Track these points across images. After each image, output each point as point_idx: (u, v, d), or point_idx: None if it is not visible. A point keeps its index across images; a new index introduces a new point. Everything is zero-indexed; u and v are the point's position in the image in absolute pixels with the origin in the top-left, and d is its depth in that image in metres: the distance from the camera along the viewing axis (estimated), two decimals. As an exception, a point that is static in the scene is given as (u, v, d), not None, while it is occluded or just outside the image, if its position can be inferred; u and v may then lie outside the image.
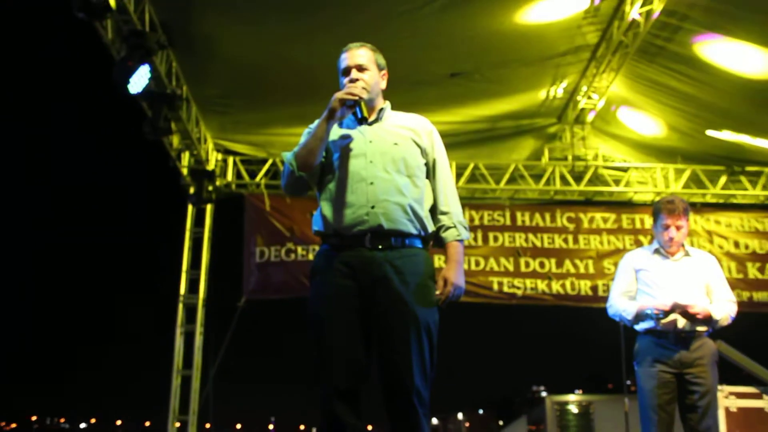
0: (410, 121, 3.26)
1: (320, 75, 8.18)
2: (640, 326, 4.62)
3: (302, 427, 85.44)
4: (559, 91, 9.60)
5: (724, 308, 4.54)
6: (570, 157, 10.31)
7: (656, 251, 4.70)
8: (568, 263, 10.26)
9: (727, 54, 8.01)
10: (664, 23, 7.85)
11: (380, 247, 2.98)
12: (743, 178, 10.49)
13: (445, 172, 3.27)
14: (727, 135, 9.77)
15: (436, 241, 3.21)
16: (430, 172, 3.23)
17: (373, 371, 2.98)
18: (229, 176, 10.15)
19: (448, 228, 3.18)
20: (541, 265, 10.22)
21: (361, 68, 3.19)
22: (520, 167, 10.42)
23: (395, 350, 2.89)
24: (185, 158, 9.58)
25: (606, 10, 7.98)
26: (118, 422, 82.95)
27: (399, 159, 3.10)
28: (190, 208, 9.87)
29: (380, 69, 3.28)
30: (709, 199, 10.55)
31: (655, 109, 9.58)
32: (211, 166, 9.64)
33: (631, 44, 8.21)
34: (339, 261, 2.99)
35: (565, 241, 10.37)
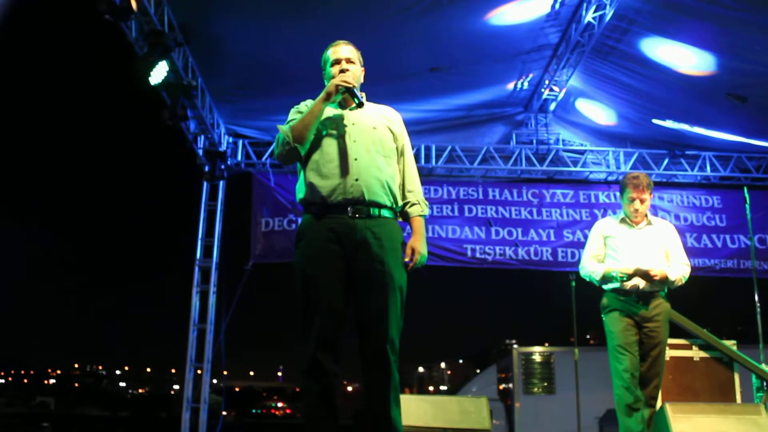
0: (384, 111, 3.35)
1: (312, 69, 8.25)
2: (607, 286, 4.69)
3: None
4: (525, 84, 9.61)
5: (679, 270, 4.65)
6: (534, 141, 10.31)
7: (623, 220, 4.76)
8: (532, 232, 10.29)
9: (669, 53, 8.06)
10: (616, 26, 7.87)
11: (361, 215, 3.04)
12: (683, 161, 10.50)
13: (411, 156, 3.37)
14: (669, 123, 9.79)
15: (401, 214, 3.28)
16: (399, 156, 3.30)
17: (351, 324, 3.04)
18: (239, 156, 10.16)
19: (413, 204, 3.27)
20: (509, 233, 10.26)
21: (349, 60, 3.29)
22: (492, 149, 10.42)
23: (374, 304, 2.96)
24: (200, 141, 9.61)
25: (565, 14, 7.99)
26: (148, 369, 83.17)
27: (377, 140, 3.19)
28: (204, 184, 9.89)
29: (361, 65, 3.37)
30: (654, 179, 10.49)
31: (608, 100, 9.60)
32: (223, 148, 9.67)
33: (587, 44, 8.21)
34: (324, 227, 3.05)
35: (530, 213, 10.40)
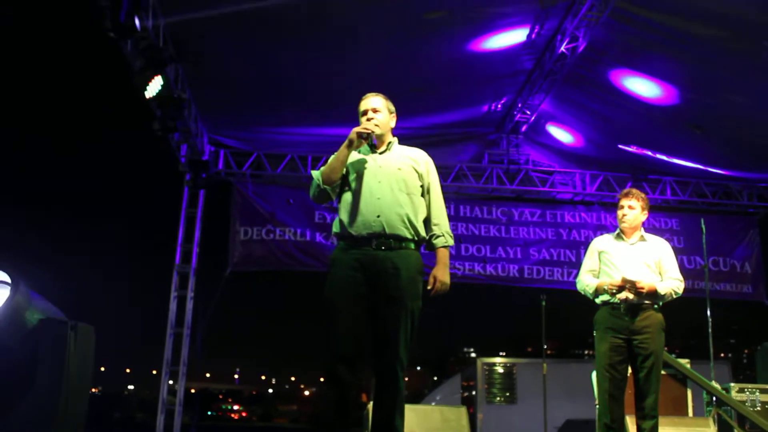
0: (412, 153, 3.71)
1: (300, 86, 8.62)
2: (600, 299, 4.82)
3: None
4: (499, 106, 9.96)
5: (669, 285, 4.70)
6: (506, 161, 10.59)
7: (617, 236, 4.91)
8: (500, 249, 10.59)
9: (635, 84, 8.54)
10: (587, 57, 8.31)
11: (383, 248, 3.43)
12: (645, 185, 10.75)
13: (437, 192, 3.70)
14: (633, 149, 10.28)
15: (427, 245, 3.64)
16: (425, 193, 3.65)
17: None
18: (220, 165, 10.30)
19: (438, 236, 3.63)
20: (478, 250, 10.55)
21: (375, 110, 3.65)
22: (465, 167, 10.69)
23: (387, 328, 3.35)
24: (183, 149, 9.73)
25: (540, 43, 8.39)
26: (127, 370, 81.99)
27: (401, 180, 3.55)
28: (185, 190, 10.03)
29: (390, 112, 3.72)
30: (616, 200, 10.96)
31: (576, 125, 10.06)
32: (205, 157, 9.83)
33: (560, 72, 8.62)
34: (351, 257, 3.45)
35: (499, 230, 10.69)
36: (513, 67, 8.94)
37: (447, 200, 11.18)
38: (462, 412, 5.77)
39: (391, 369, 3.33)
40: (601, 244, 4.98)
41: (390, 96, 3.83)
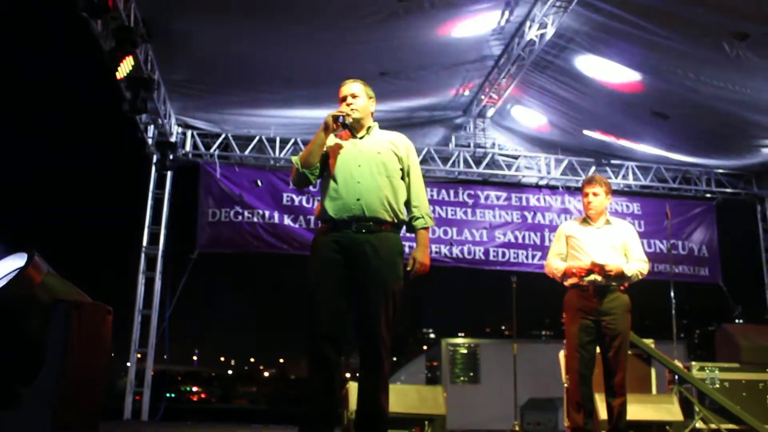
0: (392, 137, 3.78)
1: (267, 68, 8.61)
2: (568, 282, 4.95)
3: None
4: (466, 90, 10.04)
5: (635, 266, 4.84)
6: (472, 145, 10.71)
7: (584, 221, 5.05)
8: (466, 232, 10.74)
9: (601, 70, 8.70)
10: (555, 43, 8.42)
11: (363, 231, 3.49)
12: (608, 169, 11.11)
13: (417, 175, 3.76)
14: (597, 134, 10.47)
15: (407, 227, 3.71)
16: (405, 175, 3.72)
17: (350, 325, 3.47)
18: (188, 147, 10.29)
19: (418, 218, 3.69)
20: (445, 232, 10.69)
21: (354, 96, 3.71)
22: (432, 151, 10.83)
23: (368, 308, 3.41)
24: (150, 130, 9.73)
25: (509, 30, 8.49)
26: None
27: (381, 163, 3.61)
28: (152, 172, 10.00)
29: (369, 97, 3.78)
30: (579, 184, 11.19)
31: (542, 109, 10.17)
32: (173, 139, 9.80)
33: (527, 58, 8.72)
34: (331, 239, 3.50)
35: (465, 213, 10.84)
36: (481, 53, 9.02)
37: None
38: (438, 390, 5.92)
39: (375, 349, 3.39)
40: (569, 228, 5.11)
41: (361, 80, 3.88)
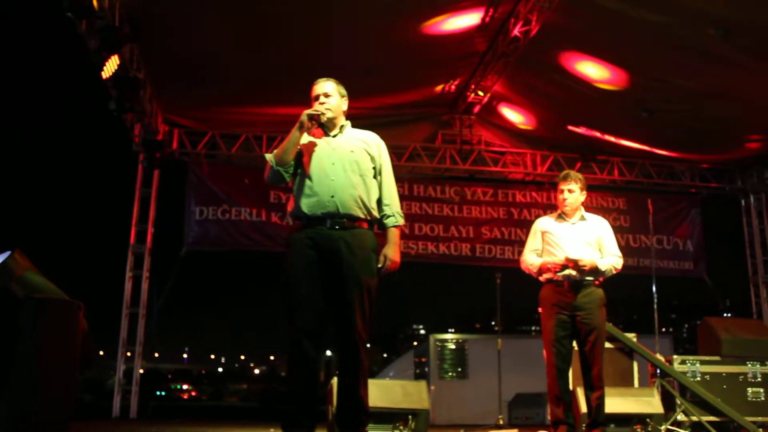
0: (364, 135, 3.80)
1: (255, 66, 8.62)
2: (543, 277, 4.97)
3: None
4: (452, 87, 10.07)
5: (609, 261, 4.89)
6: (459, 141, 10.76)
7: (559, 216, 5.06)
8: (453, 228, 10.78)
9: (585, 67, 8.76)
10: (540, 40, 8.40)
11: (337, 227, 3.53)
12: (594, 165, 11.14)
13: (389, 174, 3.81)
14: (582, 130, 10.52)
15: (379, 225, 3.75)
16: (377, 174, 3.76)
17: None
18: (175, 145, 10.26)
19: (389, 216, 3.74)
20: (431, 229, 10.72)
21: (327, 95, 3.74)
22: (418, 147, 10.84)
23: (344, 305, 3.47)
24: (137, 129, 9.68)
25: (494, 26, 8.51)
26: None
27: (354, 162, 3.65)
28: (139, 170, 9.97)
29: (342, 96, 3.80)
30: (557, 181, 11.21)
31: (528, 106, 10.24)
32: (160, 137, 9.78)
33: (513, 54, 8.75)
34: (306, 236, 3.55)
35: (452, 210, 10.87)
36: (467, 49, 9.05)
37: (401, 180, 11.37)
38: (422, 385, 5.94)
39: (352, 343, 3.46)
40: (544, 224, 5.13)
41: (345, 77, 3.91)
